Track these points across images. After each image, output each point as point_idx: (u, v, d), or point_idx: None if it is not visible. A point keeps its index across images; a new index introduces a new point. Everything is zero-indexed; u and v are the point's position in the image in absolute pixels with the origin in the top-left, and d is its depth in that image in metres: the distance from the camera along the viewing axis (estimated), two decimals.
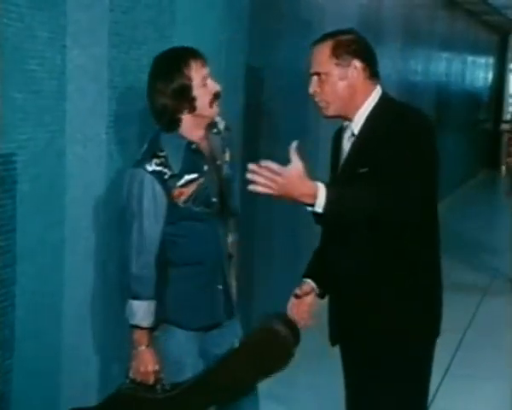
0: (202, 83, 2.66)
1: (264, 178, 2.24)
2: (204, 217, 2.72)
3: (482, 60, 15.60)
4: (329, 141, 2.75)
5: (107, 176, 3.13)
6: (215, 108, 2.72)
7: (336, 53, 2.50)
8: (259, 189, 2.26)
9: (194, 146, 2.70)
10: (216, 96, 2.70)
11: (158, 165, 2.63)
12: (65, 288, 2.95)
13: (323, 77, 2.51)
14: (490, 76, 16.58)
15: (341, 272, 2.59)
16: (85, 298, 3.10)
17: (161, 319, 2.70)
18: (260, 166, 2.24)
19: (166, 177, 2.63)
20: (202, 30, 3.79)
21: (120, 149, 3.19)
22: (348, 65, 2.50)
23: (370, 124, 2.51)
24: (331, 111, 2.54)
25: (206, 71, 2.69)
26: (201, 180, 2.70)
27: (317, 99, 2.54)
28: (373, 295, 2.52)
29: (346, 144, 2.58)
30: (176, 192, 2.65)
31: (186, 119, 2.69)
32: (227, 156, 2.85)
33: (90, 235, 3.09)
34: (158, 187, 2.62)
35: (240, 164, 2.99)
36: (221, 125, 2.85)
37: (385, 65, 7.42)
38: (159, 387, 2.66)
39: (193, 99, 2.66)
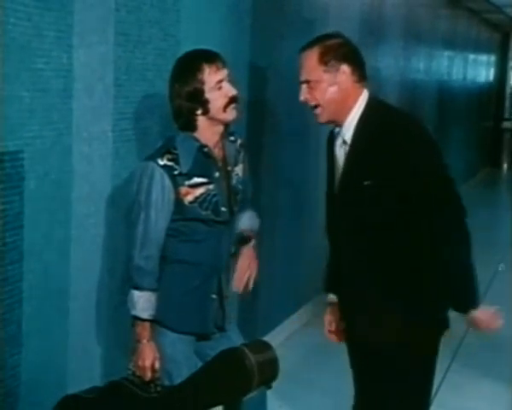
0: (216, 86, 2.68)
1: None
2: (211, 223, 2.73)
3: (484, 58, 15.60)
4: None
5: (112, 173, 3.16)
6: (230, 112, 2.72)
7: (324, 59, 2.51)
8: None
9: (206, 149, 2.73)
10: (232, 100, 2.71)
11: (169, 160, 2.67)
12: (71, 284, 2.98)
13: (313, 84, 2.53)
14: (491, 74, 16.58)
15: (347, 272, 2.62)
16: (91, 294, 3.13)
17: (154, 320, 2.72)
18: None
19: (176, 173, 2.66)
20: (206, 29, 3.82)
21: (126, 147, 3.21)
22: (337, 70, 2.52)
23: (362, 131, 2.53)
24: (325, 117, 2.57)
25: (222, 75, 2.69)
26: (211, 186, 2.72)
27: (310, 106, 2.57)
28: (377, 292, 2.55)
29: (339, 152, 2.60)
30: (183, 190, 2.67)
31: (201, 121, 2.72)
32: (239, 170, 2.86)
33: (96, 232, 3.12)
34: (167, 181, 2.65)
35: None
36: (237, 141, 2.87)
37: (387, 63, 7.45)
38: (152, 386, 2.67)
39: (206, 102, 2.68)
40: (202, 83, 2.67)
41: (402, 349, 2.53)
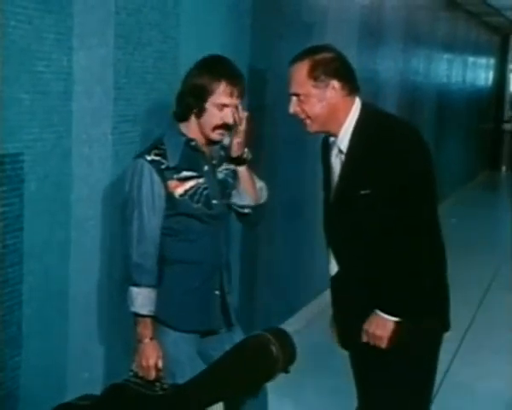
0: (220, 106, 2.67)
1: None
2: (204, 218, 2.75)
3: (483, 61, 15.61)
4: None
5: (112, 176, 3.17)
6: (216, 134, 2.72)
7: (314, 74, 2.50)
8: None
9: (193, 143, 2.74)
10: (224, 126, 2.71)
11: (156, 155, 2.69)
12: (71, 286, 2.99)
13: (302, 98, 2.52)
14: (491, 77, 16.59)
15: (345, 277, 2.62)
16: (91, 296, 3.14)
17: (155, 318, 2.72)
18: None
19: (163, 167, 2.67)
20: (206, 32, 3.83)
21: (125, 150, 3.22)
22: (326, 86, 2.50)
23: (358, 140, 2.52)
24: (314, 127, 2.57)
25: (231, 102, 2.68)
26: (201, 180, 2.74)
27: (299, 118, 2.57)
28: (375, 298, 2.54)
29: (335, 161, 2.59)
30: (172, 184, 2.69)
31: (193, 119, 2.74)
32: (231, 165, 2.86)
33: (96, 234, 3.12)
34: (155, 175, 2.67)
35: None
36: (225, 141, 2.85)
37: (386, 66, 7.45)
38: (158, 385, 2.66)
39: (203, 109, 2.69)
40: (211, 93, 2.67)
41: (401, 353, 2.53)
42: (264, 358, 2.53)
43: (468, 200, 11.99)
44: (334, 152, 2.60)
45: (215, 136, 2.73)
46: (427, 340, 2.59)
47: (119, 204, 3.15)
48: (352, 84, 2.56)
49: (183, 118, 2.75)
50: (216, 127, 2.71)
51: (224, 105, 2.68)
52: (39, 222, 2.78)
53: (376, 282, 2.52)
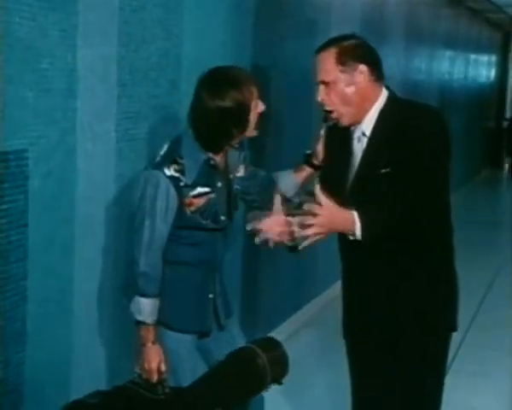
0: (256, 106, 2.69)
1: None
2: (210, 229, 2.74)
3: (485, 58, 15.61)
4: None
5: (116, 173, 3.18)
6: (256, 130, 2.74)
7: (341, 60, 2.49)
8: (309, 241, 2.36)
9: (212, 162, 2.71)
10: (260, 116, 2.71)
11: (176, 171, 2.64)
12: (75, 283, 3.00)
13: (330, 85, 2.50)
14: (492, 74, 16.59)
15: (362, 271, 2.61)
16: (95, 293, 3.15)
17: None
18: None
19: (182, 184, 2.65)
20: (209, 29, 3.84)
21: (129, 147, 3.23)
22: (354, 70, 2.50)
23: (383, 123, 2.51)
24: (346, 121, 2.54)
25: (257, 92, 2.70)
26: (212, 196, 2.72)
27: (325, 108, 2.54)
28: (392, 291, 2.55)
29: (357, 145, 2.57)
30: (187, 201, 2.66)
31: None
32: (241, 171, 2.87)
33: (100, 231, 3.14)
34: (172, 191, 2.63)
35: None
36: (242, 152, 2.86)
37: (389, 64, 7.46)
38: (160, 388, 2.66)
39: (247, 121, 2.68)
40: (249, 104, 2.66)
41: (412, 349, 2.54)
42: (252, 372, 2.50)
43: (470, 198, 11.99)
44: (356, 136, 2.57)
45: (255, 132, 2.74)
46: (438, 337, 2.60)
47: (123, 201, 3.17)
48: (378, 71, 2.56)
49: (219, 149, 2.72)
50: (257, 124, 2.72)
51: (256, 98, 2.69)
52: (44, 218, 2.79)
53: (390, 273, 2.53)
